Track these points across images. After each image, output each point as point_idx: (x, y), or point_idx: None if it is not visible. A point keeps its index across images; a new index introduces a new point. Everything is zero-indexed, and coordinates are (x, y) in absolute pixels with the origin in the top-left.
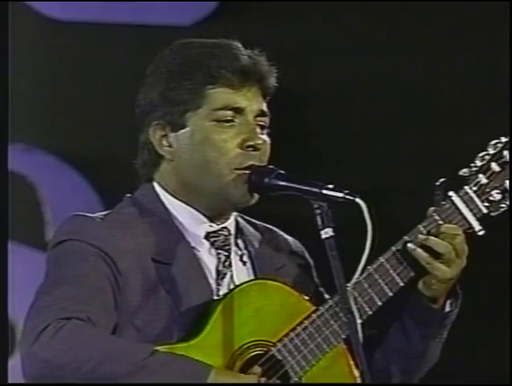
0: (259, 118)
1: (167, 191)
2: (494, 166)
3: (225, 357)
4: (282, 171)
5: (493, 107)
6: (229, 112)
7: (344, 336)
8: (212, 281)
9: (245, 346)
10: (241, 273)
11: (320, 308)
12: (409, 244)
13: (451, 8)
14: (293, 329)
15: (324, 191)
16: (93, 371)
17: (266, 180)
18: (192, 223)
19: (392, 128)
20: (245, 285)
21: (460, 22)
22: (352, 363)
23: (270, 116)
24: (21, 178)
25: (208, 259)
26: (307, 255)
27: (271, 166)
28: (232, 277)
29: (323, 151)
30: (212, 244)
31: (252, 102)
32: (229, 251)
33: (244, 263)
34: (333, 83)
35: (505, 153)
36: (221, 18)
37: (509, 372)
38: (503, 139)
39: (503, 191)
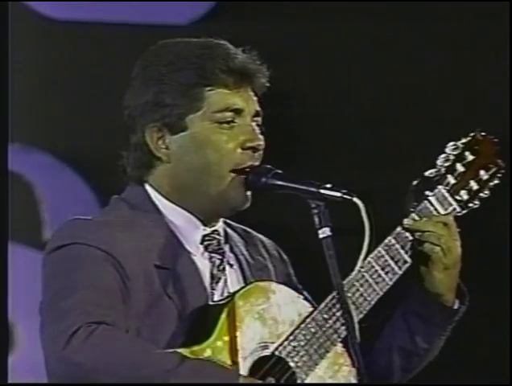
0: (255, 118)
1: (161, 194)
2: (459, 167)
3: (235, 360)
4: (280, 171)
5: (493, 108)
6: (230, 114)
7: (340, 338)
8: (207, 286)
9: (253, 348)
10: (230, 276)
11: (316, 309)
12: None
13: (450, 8)
14: (294, 331)
15: (322, 191)
16: (126, 377)
17: (264, 180)
18: (188, 227)
19: (391, 128)
20: (245, 288)
21: (459, 23)
22: (350, 363)
23: (269, 115)
24: (18, 177)
25: (202, 263)
26: (282, 253)
27: (268, 166)
28: (226, 281)
29: (321, 152)
30: (205, 247)
31: (249, 103)
32: (222, 254)
33: (231, 266)
34: (333, 82)
35: (467, 153)
36: (219, 17)
37: (510, 372)
38: (461, 141)
39: (470, 191)
